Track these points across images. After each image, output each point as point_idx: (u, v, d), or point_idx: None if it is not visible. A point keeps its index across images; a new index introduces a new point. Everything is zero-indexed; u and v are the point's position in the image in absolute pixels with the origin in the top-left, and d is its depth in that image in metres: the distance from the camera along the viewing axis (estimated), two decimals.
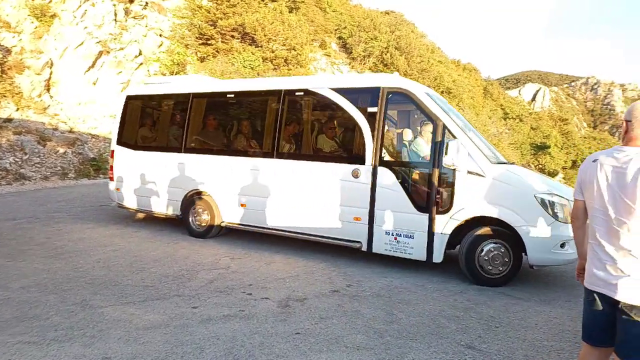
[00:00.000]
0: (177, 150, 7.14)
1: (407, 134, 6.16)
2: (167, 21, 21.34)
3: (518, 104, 54.58)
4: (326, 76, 6.54)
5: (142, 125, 7.82)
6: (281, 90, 6.38)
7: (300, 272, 5.18)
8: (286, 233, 6.19)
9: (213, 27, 20.95)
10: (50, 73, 15.13)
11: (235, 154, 6.63)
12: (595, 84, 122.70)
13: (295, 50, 21.86)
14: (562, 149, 42.43)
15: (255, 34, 21.09)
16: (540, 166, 37.78)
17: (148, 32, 20.15)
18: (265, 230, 6.35)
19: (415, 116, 6.32)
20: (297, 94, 6.34)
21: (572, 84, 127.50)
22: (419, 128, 5.90)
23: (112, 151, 7.83)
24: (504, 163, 5.54)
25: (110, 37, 16.92)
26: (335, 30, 33.91)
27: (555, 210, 4.74)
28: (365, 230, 5.55)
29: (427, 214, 5.18)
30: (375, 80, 5.81)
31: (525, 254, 4.89)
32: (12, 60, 14.39)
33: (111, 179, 7.80)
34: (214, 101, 7.23)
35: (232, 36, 21.40)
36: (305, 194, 5.95)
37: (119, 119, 7.86)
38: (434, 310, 4.08)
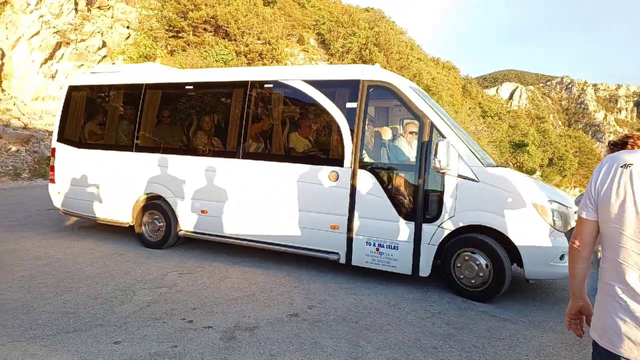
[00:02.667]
0: (128, 148, 6.30)
1: (391, 133, 5.56)
2: (134, 12, 20.28)
3: (496, 103, 54.92)
4: (299, 67, 5.74)
5: (87, 120, 6.86)
6: (247, 82, 5.63)
7: (257, 290, 4.49)
8: (253, 243, 5.47)
9: (183, 19, 19.99)
10: (2, 65, 13.98)
11: (195, 154, 5.86)
12: (570, 83, 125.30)
13: (270, 45, 21.06)
14: (539, 147, 42.77)
15: (228, 27, 20.22)
16: (518, 164, 37.94)
17: (114, 23, 19.08)
18: (229, 240, 5.63)
19: (400, 113, 5.77)
20: (266, 86, 5.60)
21: (548, 83, 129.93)
22: (403, 126, 5.39)
23: (53, 149, 6.91)
24: (496, 166, 4.91)
25: (70, 27, 15.82)
26: (314, 25, 33.20)
27: (555, 219, 4.27)
28: (344, 240, 4.95)
29: (413, 223, 4.65)
30: (355, 72, 5.13)
31: (521, 267, 4.39)
32: None
33: (52, 180, 6.87)
34: (171, 93, 6.36)
35: (205, 29, 20.48)
36: (275, 200, 5.28)
37: (60, 113, 6.95)
38: (408, 338, 3.46)
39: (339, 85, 5.24)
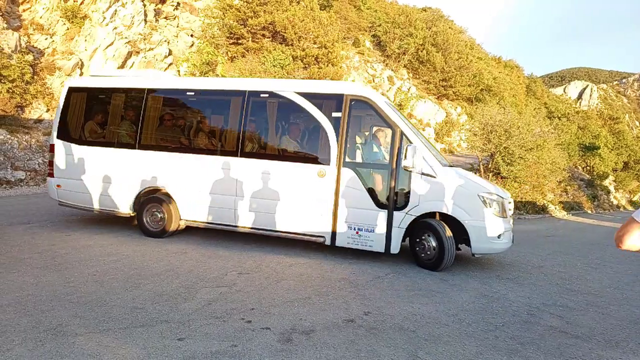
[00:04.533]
0: (131, 146, 6.90)
1: (369, 138, 6.50)
2: (198, 21, 21.26)
3: (563, 102, 51.67)
4: (291, 80, 7.20)
5: (89, 119, 7.30)
6: (245, 91, 6.46)
7: (312, 293, 4.52)
8: (251, 230, 6.30)
9: (243, 26, 20.66)
10: (81, 74, 15.18)
11: (198, 152, 6.60)
12: None
13: (326, 48, 21.23)
14: (612, 149, 39.63)
15: (285, 32, 20.63)
16: (588, 168, 35.39)
17: (179, 32, 20.11)
18: (228, 227, 6.40)
19: (371, 121, 6.68)
20: (262, 95, 6.45)
21: (623, 80, 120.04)
22: (373, 132, 6.38)
23: (52, 145, 7.37)
24: (450, 166, 6.11)
25: (140, 37, 16.87)
26: (370, 27, 33.05)
27: (494, 207, 5.54)
28: (330, 225, 5.92)
29: (386, 210, 5.70)
30: (339, 87, 6.18)
31: (468, 245, 5.56)
32: (44, 62, 14.52)
33: (51, 175, 7.36)
34: (174, 98, 7.03)
35: (263, 35, 21.04)
36: (271, 193, 6.12)
37: (59, 112, 7.41)
38: (469, 352, 3.32)
39: (327, 97, 6.18)
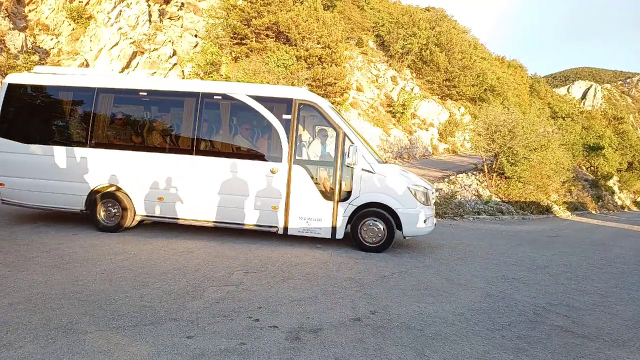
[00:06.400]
0: (82, 144, 6.93)
1: (316, 139, 7.03)
2: (202, 21, 21.31)
3: (567, 102, 51.48)
4: (244, 84, 7.99)
5: (34, 117, 7.24)
6: (199, 93, 6.80)
7: (319, 292, 4.54)
8: (208, 223, 6.70)
9: (247, 26, 20.68)
10: None
11: (154, 151, 6.84)
12: None
13: (330, 49, 21.23)
14: (617, 150, 39.46)
15: (289, 32, 20.65)
16: (592, 168, 35.26)
17: (183, 32, 20.17)
18: (184, 221, 6.76)
19: (313, 121, 7.31)
20: (215, 97, 6.84)
21: (628, 80, 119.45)
22: (317, 132, 7.06)
23: None
24: (385, 162, 6.86)
25: (145, 37, 16.94)
26: (373, 27, 33.04)
27: (420, 197, 6.44)
28: (282, 216, 6.50)
29: (332, 202, 6.42)
30: (288, 92, 6.76)
31: (400, 229, 6.39)
32: (49, 62, 14.60)
33: None
34: (127, 98, 7.19)
35: (267, 35, 21.06)
36: (226, 188, 6.53)
37: None
38: (476, 351, 3.33)
39: (277, 101, 6.69)
